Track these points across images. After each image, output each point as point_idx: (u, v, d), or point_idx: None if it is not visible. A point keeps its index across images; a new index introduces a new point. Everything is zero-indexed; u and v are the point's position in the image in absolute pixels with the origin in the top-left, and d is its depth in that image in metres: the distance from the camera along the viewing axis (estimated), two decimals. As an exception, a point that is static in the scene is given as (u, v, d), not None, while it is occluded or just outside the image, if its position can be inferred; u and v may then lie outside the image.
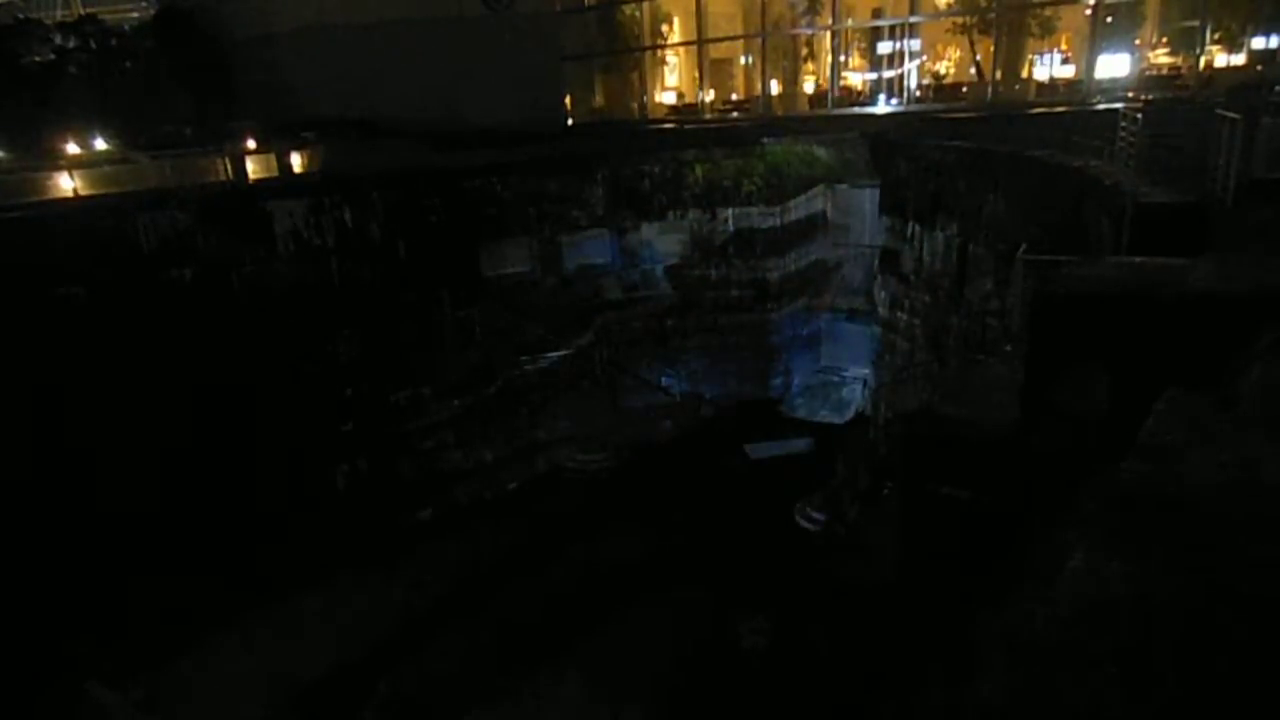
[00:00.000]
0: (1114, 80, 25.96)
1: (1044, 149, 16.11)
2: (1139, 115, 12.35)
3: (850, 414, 24.02)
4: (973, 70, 30.31)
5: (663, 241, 23.90)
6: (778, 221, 24.31)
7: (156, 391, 16.10)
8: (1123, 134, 12.52)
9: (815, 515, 18.11)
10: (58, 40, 29.50)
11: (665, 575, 17.03)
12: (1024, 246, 14.21)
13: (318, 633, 15.63)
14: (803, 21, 31.61)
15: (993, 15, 27.46)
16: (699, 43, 32.48)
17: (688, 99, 36.34)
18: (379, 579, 17.29)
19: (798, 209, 24.67)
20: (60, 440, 15.29)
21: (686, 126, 30.65)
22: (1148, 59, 29.16)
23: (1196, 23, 24.66)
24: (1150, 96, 21.52)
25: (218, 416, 16.87)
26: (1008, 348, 12.72)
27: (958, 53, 33.31)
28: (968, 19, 28.77)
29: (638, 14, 34.02)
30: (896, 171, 22.12)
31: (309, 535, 17.07)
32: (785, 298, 24.97)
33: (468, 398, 20.92)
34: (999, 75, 27.38)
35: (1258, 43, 26.77)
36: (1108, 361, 6.01)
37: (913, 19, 28.24)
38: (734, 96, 36.12)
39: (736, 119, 31.80)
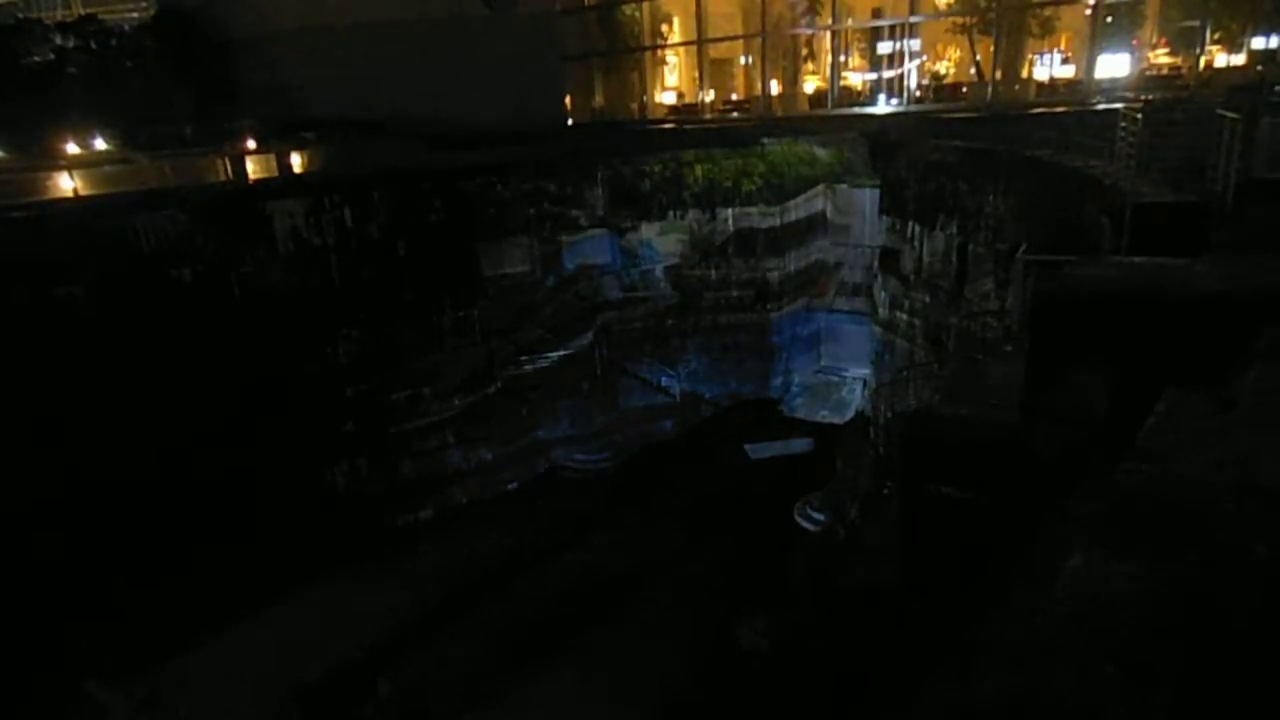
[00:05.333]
0: (1114, 80, 25.96)
1: (1044, 149, 16.12)
2: (1139, 115, 12.35)
3: (850, 414, 24.03)
4: (973, 70, 30.30)
5: (663, 241, 23.89)
6: (778, 221, 24.31)
7: (156, 391, 16.10)
8: (1123, 134, 12.52)
9: (815, 515, 18.11)
10: (58, 40, 29.49)
11: (665, 575, 17.05)
12: (1024, 246, 14.22)
13: (318, 632, 15.64)
14: (803, 21, 31.59)
15: (993, 15, 27.44)
16: (699, 43, 32.47)
17: (688, 99, 36.35)
18: (379, 578, 17.30)
19: (798, 209, 24.67)
20: (59, 440, 15.28)
21: (686, 126, 30.64)
22: (1148, 59, 29.16)
23: (1196, 23, 24.68)
24: (1150, 96, 21.50)
25: (217, 416, 16.87)
26: (1008, 348, 12.71)
27: (958, 53, 33.33)
28: (968, 19, 28.77)
29: (638, 14, 34.00)
30: (896, 171, 22.12)
31: (309, 535, 17.08)
32: (785, 298, 24.96)
33: (468, 398, 20.92)
34: (999, 75, 27.36)
35: (1258, 43, 26.75)
36: (1108, 362, 6.00)
37: (913, 19, 28.24)
38: (734, 96, 36.11)
39: (736, 119, 31.79)
